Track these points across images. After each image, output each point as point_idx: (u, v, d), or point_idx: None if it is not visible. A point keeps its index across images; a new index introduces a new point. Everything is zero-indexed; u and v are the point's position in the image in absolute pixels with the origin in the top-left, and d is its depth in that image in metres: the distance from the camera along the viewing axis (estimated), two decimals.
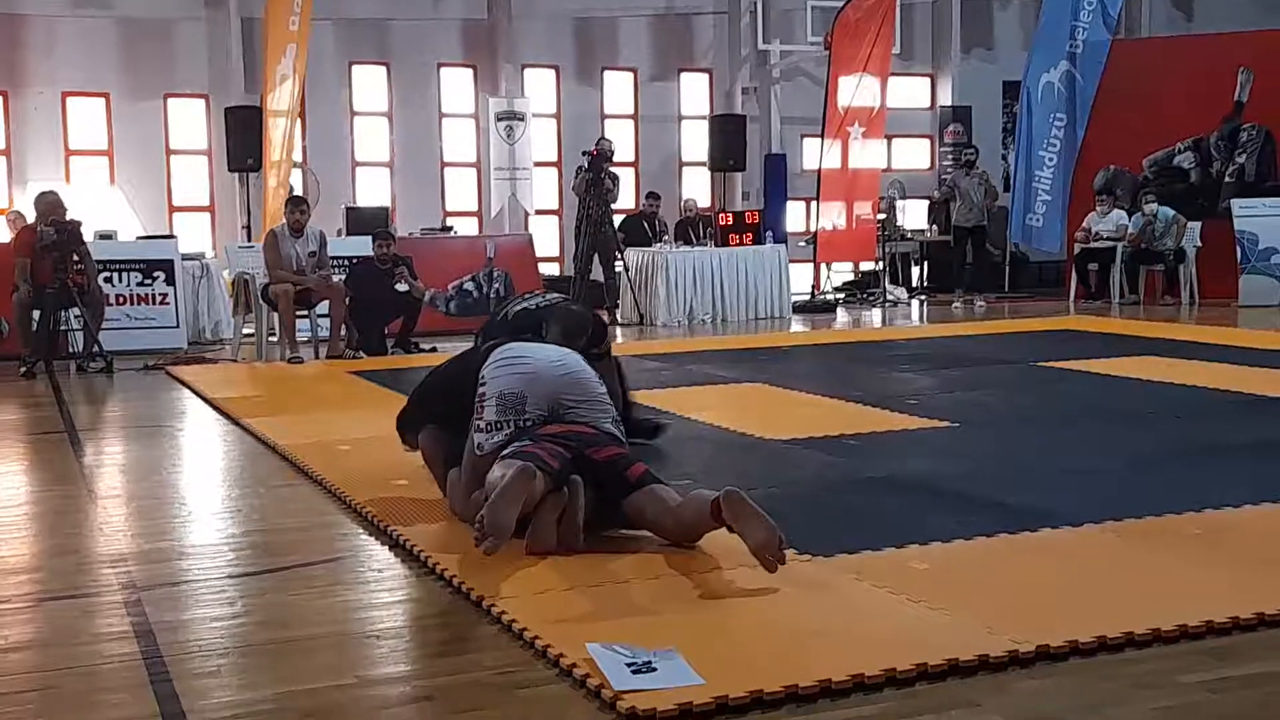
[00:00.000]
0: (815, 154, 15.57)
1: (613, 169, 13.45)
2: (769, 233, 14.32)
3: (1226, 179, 14.54)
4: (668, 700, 2.77)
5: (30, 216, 10.45)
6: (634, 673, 2.91)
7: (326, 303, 10.29)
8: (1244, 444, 5.77)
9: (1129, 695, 2.87)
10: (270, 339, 10.43)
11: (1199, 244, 13.92)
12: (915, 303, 15.25)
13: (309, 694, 2.96)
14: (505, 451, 4.10)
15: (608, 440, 4.25)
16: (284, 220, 10.40)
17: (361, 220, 13.10)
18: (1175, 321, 12.03)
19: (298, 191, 13.60)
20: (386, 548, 4.27)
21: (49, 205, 9.72)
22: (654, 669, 2.93)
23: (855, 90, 15.00)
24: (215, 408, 7.60)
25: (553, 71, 16.43)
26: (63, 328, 9.79)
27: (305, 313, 10.40)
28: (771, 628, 3.36)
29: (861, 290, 15.85)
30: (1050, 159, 15.15)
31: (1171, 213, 13.78)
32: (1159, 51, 15.26)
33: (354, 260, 11.09)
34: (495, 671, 3.08)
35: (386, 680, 3.08)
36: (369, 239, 10.76)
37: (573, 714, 2.81)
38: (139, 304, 11.25)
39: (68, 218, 9.70)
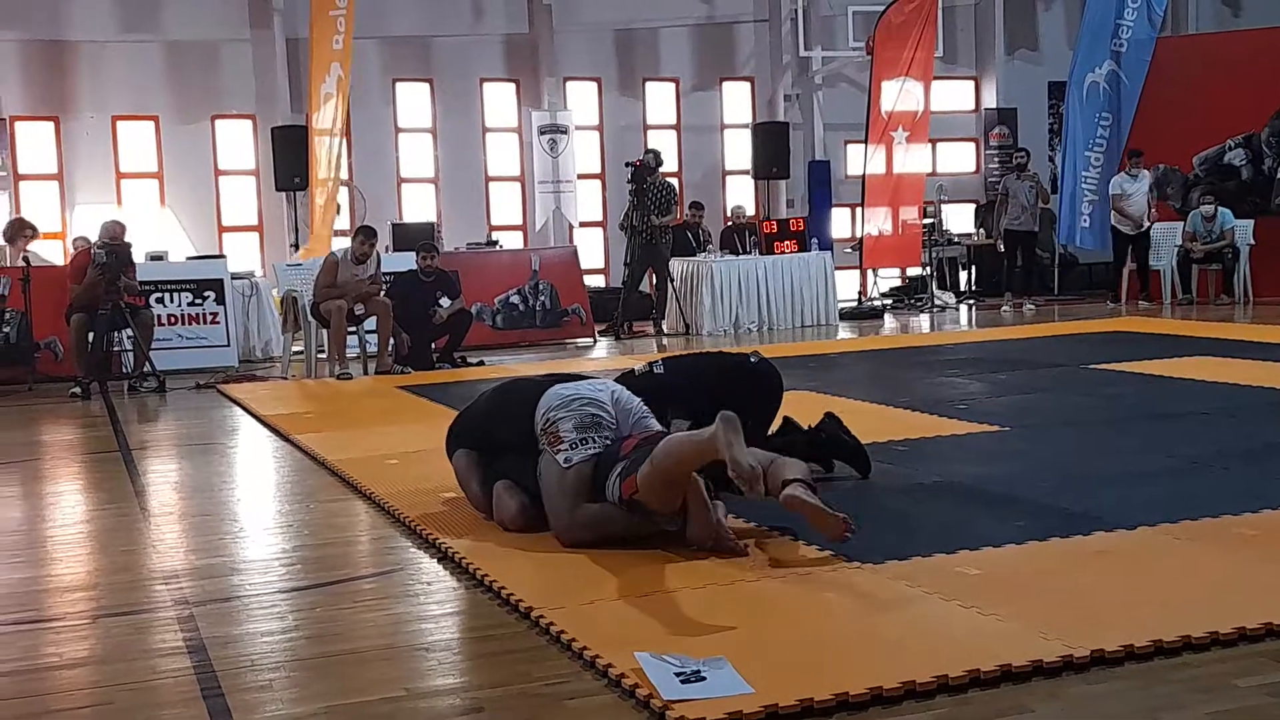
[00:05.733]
0: (859, 160, 15.51)
1: (668, 179, 13.40)
2: (814, 240, 14.28)
3: (1279, 176, 14.32)
4: (717, 709, 2.76)
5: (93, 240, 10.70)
6: (683, 682, 2.90)
7: (374, 318, 10.36)
8: None
9: (1186, 700, 2.83)
10: (319, 356, 10.51)
11: (1252, 242, 13.73)
12: (963, 307, 15.13)
13: (359, 707, 2.98)
14: (618, 470, 4.10)
15: None
16: (349, 246, 10.45)
17: (408, 236, 13.18)
18: (1229, 321, 11.85)
19: (344, 209, 13.70)
20: (435, 560, 4.29)
21: (107, 232, 10.08)
22: (703, 678, 2.92)
23: (898, 94, 14.94)
24: (266, 424, 7.67)
25: (594, 84, 16.48)
26: (115, 348, 9.93)
27: (354, 329, 10.48)
28: (821, 635, 3.34)
29: (909, 296, 15.76)
30: (1097, 159, 15.01)
31: (1230, 215, 13.61)
32: (1206, 48, 15.07)
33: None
34: (544, 682, 3.08)
35: (436, 692, 3.09)
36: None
37: None
38: (190, 324, 11.38)
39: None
